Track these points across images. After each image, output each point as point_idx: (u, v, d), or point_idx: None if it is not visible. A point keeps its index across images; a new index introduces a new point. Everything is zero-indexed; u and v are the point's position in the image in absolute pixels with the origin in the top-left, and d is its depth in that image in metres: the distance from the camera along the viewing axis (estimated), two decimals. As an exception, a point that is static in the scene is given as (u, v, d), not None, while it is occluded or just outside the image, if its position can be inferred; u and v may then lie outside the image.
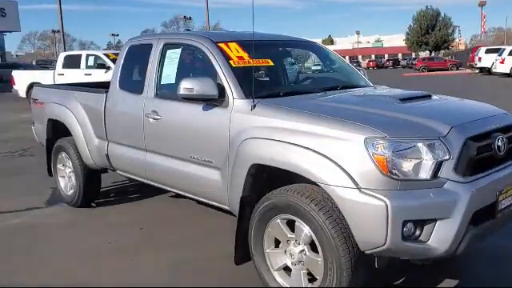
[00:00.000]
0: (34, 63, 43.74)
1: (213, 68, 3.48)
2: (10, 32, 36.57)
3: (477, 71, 35.47)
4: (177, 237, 4.23)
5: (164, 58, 3.90)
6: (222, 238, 4.02)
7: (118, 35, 75.72)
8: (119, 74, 4.32)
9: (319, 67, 4.41)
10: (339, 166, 2.55)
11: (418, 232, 2.49)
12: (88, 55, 15.26)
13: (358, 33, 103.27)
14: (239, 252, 3.13)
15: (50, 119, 5.21)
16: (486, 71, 32.31)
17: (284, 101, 3.23)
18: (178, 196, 4.74)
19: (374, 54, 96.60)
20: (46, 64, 41.24)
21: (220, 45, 3.59)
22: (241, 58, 3.54)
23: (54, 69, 15.77)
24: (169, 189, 3.98)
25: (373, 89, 3.98)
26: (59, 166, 5.27)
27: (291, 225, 2.85)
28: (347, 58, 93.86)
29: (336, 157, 2.57)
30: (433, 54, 66.52)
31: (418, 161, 2.49)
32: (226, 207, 3.39)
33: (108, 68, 14.62)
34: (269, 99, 3.22)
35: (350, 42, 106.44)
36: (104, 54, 15.12)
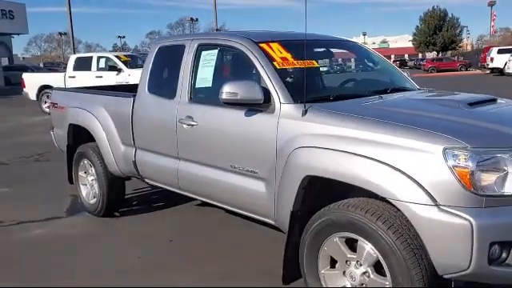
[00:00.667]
0: (41, 65, 43.72)
1: (255, 70, 3.22)
2: (18, 34, 36.47)
3: (488, 71, 35.07)
4: (211, 249, 3.96)
5: (198, 59, 3.64)
6: (260, 251, 3.77)
7: (124, 37, 75.72)
8: (148, 77, 4.06)
9: (363, 68, 4.13)
10: (413, 179, 2.27)
11: (504, 254, 2.21)
12: (99, 57, 15.05)
13: (364, 34, 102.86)
14: (289, 271, 2.86)
15: (71, 124, 4.96)
16: (498, 72, 31.91)
17: (337, 105, 2.96)
18: (204, 204, 4.49)
19: (382, 55, 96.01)
20: (53, 66, 41.24)
21: (261, 45, 3.32)
22: (284, 58, 3.27)
23: (65, 71, 15.55)
24: (205, 199, 3.72)
25: (426, 92, 3.70)
26: (81, 173, 5.02)
27: (351, 244, 2.58)
28: (353, 59, 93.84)
29: (408, 169, 2.29)
30: (440, 55, 66.01)
31: (503, 173, 2.22)
32: (271, 222, 3.12)
33: (119, 70, 14.44)
34: (319, 104, 2.95)
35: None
36: (115, 56, 14.91)
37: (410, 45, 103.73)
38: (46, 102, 15.39)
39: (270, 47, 3.32)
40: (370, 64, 4.12)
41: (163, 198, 5.42)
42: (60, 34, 71.20)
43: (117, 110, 4.35)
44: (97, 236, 4.44)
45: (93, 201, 4.90)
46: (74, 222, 4.88)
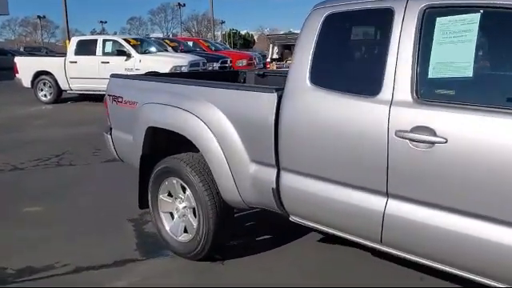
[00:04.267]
0: (22, 50, 41.15)
1: None
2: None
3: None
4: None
5: (429, 31, 2.21)
6: None
7: (106, 22, 72.50)
8: (310, 62, 2.61)
9: None
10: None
11: None
12: (105, 40, 13.30)
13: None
14: None
15: (151, 128, 3.48)
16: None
17: None
18: (332, 240, 3.13)
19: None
20: (35, 51, 38.79)
21: None
22: None
23: (65, 55, 13.79)
24: (438, 265, 2.28)
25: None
26: (163, 196, 3.55)
27: None
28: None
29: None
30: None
31: None
32: None
33: (129, 55, 12.78)
34: None
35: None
36: (124, 40, 13.22)
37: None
38: (42, 90, 13.67)
39: None
40: None
41: (267, 225, 4.01)
42: (39, 17, 67.68)
43: (243, 110, 2.90)
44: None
45: (184, 237, 3.44)
46: (163, 268, 3.40)
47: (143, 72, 12.58)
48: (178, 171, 3.31)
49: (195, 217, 3.32)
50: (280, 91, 2.73)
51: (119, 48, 12.91)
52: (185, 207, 3.41)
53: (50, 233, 4.01)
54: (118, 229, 4.10)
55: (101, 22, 70.90)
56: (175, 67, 12.50)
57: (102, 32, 78.72)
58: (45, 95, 13.75)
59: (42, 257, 3.53)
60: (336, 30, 2.63)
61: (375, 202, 2.32)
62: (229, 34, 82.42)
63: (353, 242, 2.66)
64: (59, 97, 13.73)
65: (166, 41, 17.89)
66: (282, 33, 28.97)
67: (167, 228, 3.54)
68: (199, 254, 3.31)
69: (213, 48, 20.36)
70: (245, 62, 18.29)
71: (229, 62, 16.80)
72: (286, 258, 3.47)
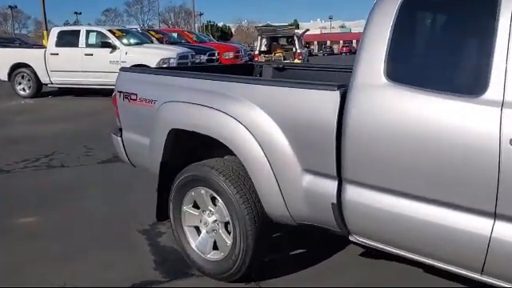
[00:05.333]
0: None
1: None
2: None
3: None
4: None
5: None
6: None
7: (80, 13, 70.25)
8: (386, 53, 2.18)
9: None
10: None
11: None
12: (88, 31, 12.60)
13: (330, 18, 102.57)
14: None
15: (174, 130, 3.01)
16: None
17: None
18: (374, 254, 2.75)
19: (342, 39, 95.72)
20: (7, 42, 37.27)
21: None
22: None
23: (41, 47, 13.05)
24: None
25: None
26: (188, 208, 3.08)
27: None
28: (316, 43, 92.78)
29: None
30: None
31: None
32: None
33: (114, 47, 12.15)
34: None
35: (313, 27, 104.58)
36: (109, 31, 12.54)
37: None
38: (20, 84, 12.92)
39: None
40: None
41: (288, 237, 3.59)
42: (11, 7, 65.28)
43: (294, 111, 2.45)
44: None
45: (214, 255, 2.99)
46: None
47: (129, 65, 12.03)
48: (209, 180, 2.85)
49: (228, 232, 2.88)
50: (342, 88, 2.29)
51: (104, 39, 12.26)
52: (215, 221, 2.96)
53: (49, 250, 3.50)
54: (129, 243, 3.63)
55: (75, 13, 68.72)
56: (163, 60, 11.93)
57: (76, 23, 76.61)
58: (23, 89, 13.00)
59: (42, 282, 3.02)
60: (422, 11, 2.21)
61: (479, 224, 1.92)
62: (206, 26, 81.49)
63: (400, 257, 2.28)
64: (39, 91, 13.00)
65: (151, 32, 17.21)
66: (260, 25, 28.55)
67: (193, 244, 3.08)
68: (234, 275, 2.87)
69: (198, 40, 19.75)
70: (231, 54, 17.78)
71: (216, 54, 16.25)
72: (326, 276, 3.06)
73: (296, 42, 17.13)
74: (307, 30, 30.45)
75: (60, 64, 12.34)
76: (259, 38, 17.58)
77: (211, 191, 2.89)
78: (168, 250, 3.46)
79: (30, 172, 5.64)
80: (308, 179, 2.46)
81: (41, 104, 11.96)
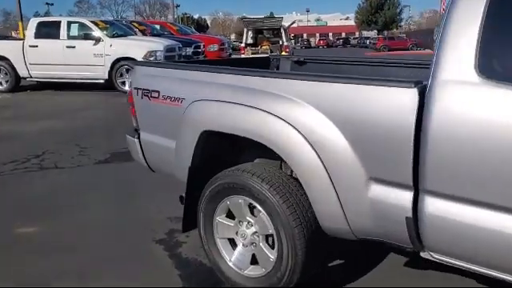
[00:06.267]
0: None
1: None
2: None
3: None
4: None
5: None
6: None
7: (52, 4, 68.24)
8: (478, 45, 1.89)
9: None
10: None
11: None
12: (70, 23, 12.03)
13: (307, 10, 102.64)
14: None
15: (206, 132, 2.68)
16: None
17: None
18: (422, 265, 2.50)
19: (319, 32, 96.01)
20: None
21: None
22: None
23: (23, 39, 12.42)
24: None
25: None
26: (221, 218, 2.76)
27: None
28: (291, 36, 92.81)
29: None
30: (385, 34, 66.48)
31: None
32: None
33: (98, 40, 11.63)
34: None
35: (289, 20, 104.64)
36: (92, 22, 11.99)
37: (345, 23, 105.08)
38: (-4, 78, 12.28)
39: None
40: None
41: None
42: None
43: (359, 111, 2.15)
44: None
45: (253, 271, 2.68)
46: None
47: (114, 58, 11.54)
48: (248, 188, 2.53)
49: (271, 246, 2.57)
50: (420, 85, 2.00)
51: (86, 31, 11.74)
52: (255, 233, 2.64)
53: (58, 266, 3.12)
54: (147, 256, 3.28)
55: (47, 3, 66.66)
56: (150, 52, 11.47)
57: (47, 15, 74.43)
58: (0, 83, 12.34)
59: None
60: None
61: None
62: (182, 18, 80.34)
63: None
64: (17, 85, 12.39)
65: (134, 23, 16.63)
66: (237, 17, 28.23)
67: (227, 259, 2.76)
68: (279, 295, 2.57)
69: (181, 32, 19.23)
70: (216, 47, 17.36)
71: (202, 47, 15.80)
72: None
73: (283, 34, 16.81)
74: (294, 22, 30.21)
75: (40, 57, 11.77)
76: (245, 30, 17.20)
77: (251, 200, 2.57)
78: (191, 263, 3.14)
79: (20, 174, 5.20)
80: (375, 189, 2.16)
81: (20, 99, 11.37)
